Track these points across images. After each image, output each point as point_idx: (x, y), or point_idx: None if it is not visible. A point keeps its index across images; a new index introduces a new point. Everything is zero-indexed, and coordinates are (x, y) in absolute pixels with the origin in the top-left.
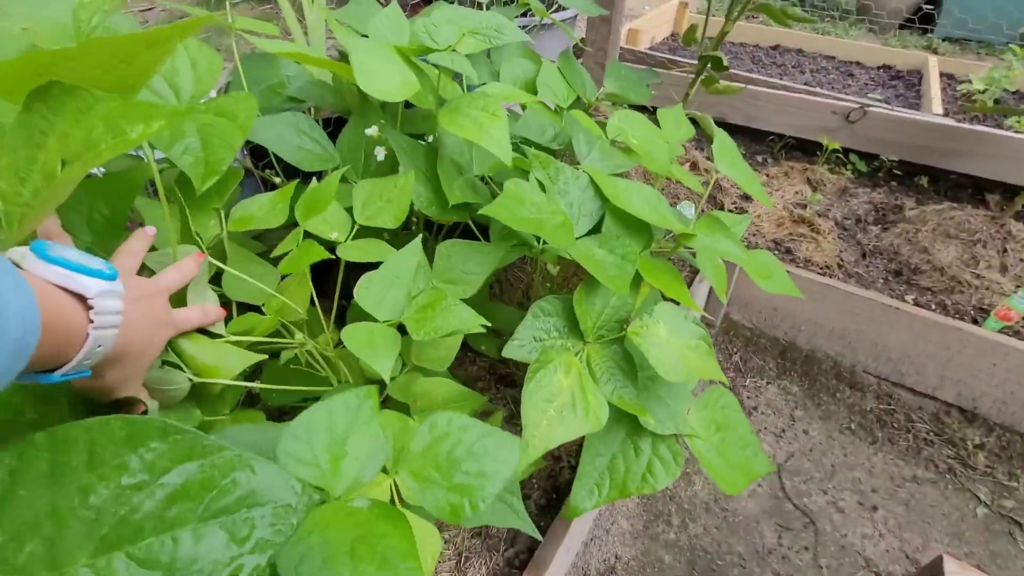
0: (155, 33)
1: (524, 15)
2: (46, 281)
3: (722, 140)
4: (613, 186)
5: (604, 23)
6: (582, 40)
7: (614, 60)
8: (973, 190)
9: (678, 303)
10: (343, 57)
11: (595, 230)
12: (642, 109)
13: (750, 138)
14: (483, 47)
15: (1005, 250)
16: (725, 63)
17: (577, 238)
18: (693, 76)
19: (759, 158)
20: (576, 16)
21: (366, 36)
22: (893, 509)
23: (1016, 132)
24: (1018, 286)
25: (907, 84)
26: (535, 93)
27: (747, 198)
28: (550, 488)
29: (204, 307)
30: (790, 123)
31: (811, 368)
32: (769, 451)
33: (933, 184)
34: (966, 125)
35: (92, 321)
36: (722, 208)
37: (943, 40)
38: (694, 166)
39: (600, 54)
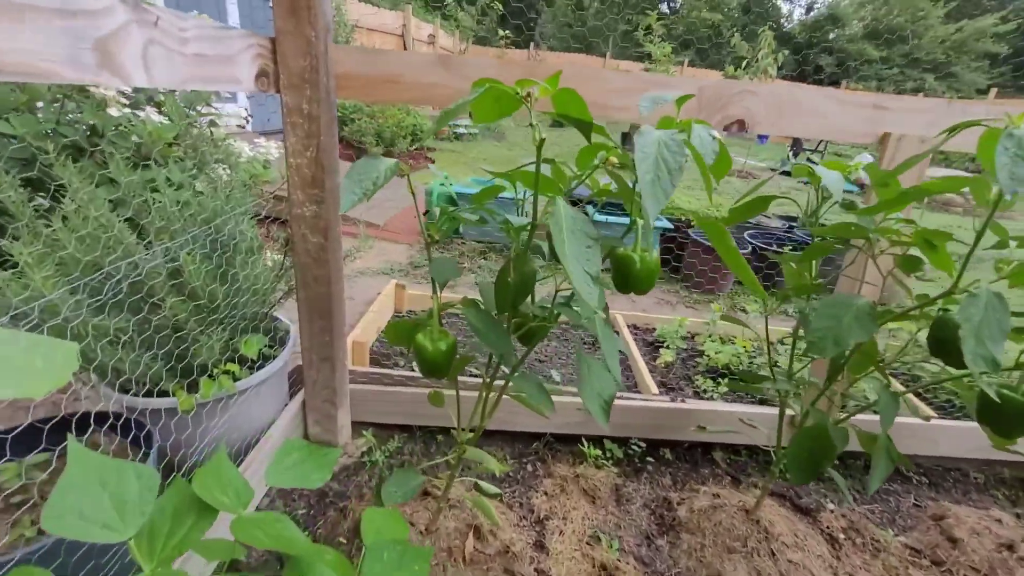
0: None
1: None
2: None
3: None
4: None
5: (326, 361)
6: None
7: (288, 441)
8: (702, 450)
9: None
10: None
11: None
12: None
13: (513, 441)
14: None
15: (773, 553)
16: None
17: None
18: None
19: (529, 466)
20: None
21: None
22: None
23: (713, 398)
24: None
25: None
26: None
27: (540, 522)
28: None
29: None
30: (546, 422)
31: None
32: None
33: (674, 453)
34: (674, 405)
35: None
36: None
37: None
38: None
39: (329, 399)
